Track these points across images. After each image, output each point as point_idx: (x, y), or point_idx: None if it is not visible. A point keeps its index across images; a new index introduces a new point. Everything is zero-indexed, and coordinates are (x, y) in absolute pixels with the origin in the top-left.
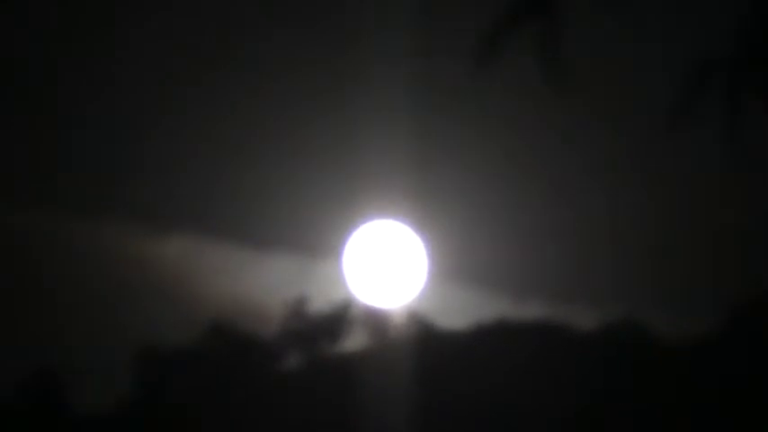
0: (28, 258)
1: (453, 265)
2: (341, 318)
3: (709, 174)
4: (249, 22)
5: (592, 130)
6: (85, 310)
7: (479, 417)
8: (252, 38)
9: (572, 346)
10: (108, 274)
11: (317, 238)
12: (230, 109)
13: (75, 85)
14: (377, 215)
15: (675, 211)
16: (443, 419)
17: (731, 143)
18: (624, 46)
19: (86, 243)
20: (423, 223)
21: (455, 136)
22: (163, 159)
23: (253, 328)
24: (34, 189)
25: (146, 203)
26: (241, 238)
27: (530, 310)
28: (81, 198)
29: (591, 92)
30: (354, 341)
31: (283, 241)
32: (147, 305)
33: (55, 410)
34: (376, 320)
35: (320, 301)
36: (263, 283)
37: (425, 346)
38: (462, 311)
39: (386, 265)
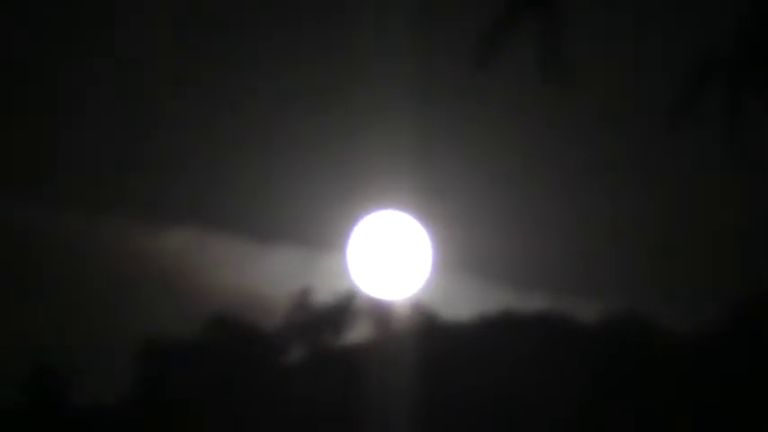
0: (28, 255)
1: (457, 256)
2: (344, 309)
3: (710, 174)
4: (249, 21)
5: (592, 126)
6: (87, 306)
7: (483, 408)
8: (251, 36)
9: (575, 338)
10: (109, 268)
11: (320, 231)
12: (232, 103)
13: (75, 82)
14: (380, 207)
15: (675, 208)
16: (447, 411)
17: (731, 142)
18: (624, 45)
19: (87, 238)
20: (426, 215)
21: (458, 129)
22: (164, 153)
23: (256, 320)
24: (34, 186)
25: (147, 197)
26: (244, 230)
27: (533, 302)
28: (81, 194)
29: (591, 90)
30: (358, 333)
31: (286, 234)
32: (149, 299)
33: (56, 408)
34: (380, 312)
35: (324, 293)
36: (266, 276)
37: (429, 338)
38: (466, 303)
39: (389, 257)
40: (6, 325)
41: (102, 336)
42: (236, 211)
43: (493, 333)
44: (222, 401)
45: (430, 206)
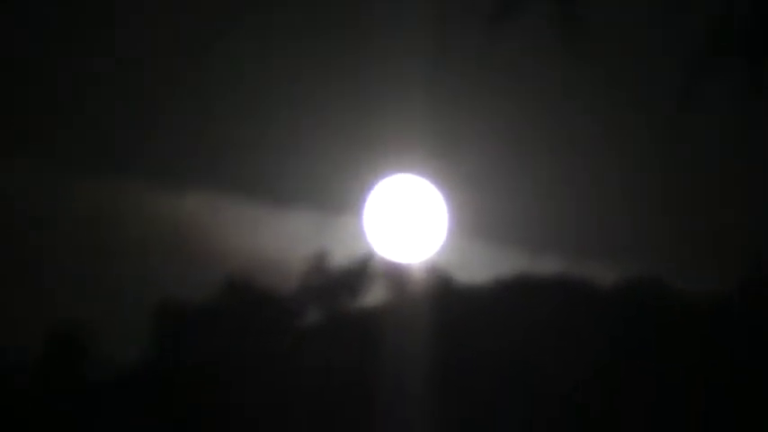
0: (43, 218)
1: (473, 220)
2: (360, 273)
3: (727, 131)
4: None
5: (608, 88)
6: (99, 269)
7: (498, 371)
8: (265, 3)
9: (592, 301)
10: (122, 231)
11: (336, 193)
12: (247, 66)
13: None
14: (397, 170)
15: (692, 169)
16: (462, 374)
17: (756, 94)
18: (639, 8)
19: (100, 201)
20: (443, 178)
21: (474, 92)
22: (178, 115)
23: (271, 284)
24: (49, 148)
25: (161, 160)
26: (258, 193)
27: (549, 265)
28: (95, 156)
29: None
30: (374, 296)
31: (302, 196)
32: (163, 262)
33: (71, 370)
34: (395, 275)
35: (340, 256)
36: (281, 239)
37: (445, 301)
38: (481, 266)
39: (406, 220)
40: (22, 288)
41: (116, 299)
42: (250, 174)
43: (508, 296)
44: (236, 365)
45: (445, 170)
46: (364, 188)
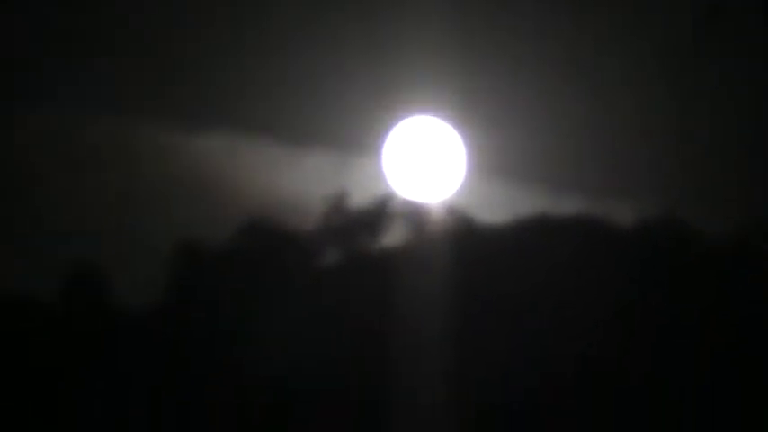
0: (62, 158)
1: (492, 160)
2: (380, 213)
3: (742, 77)
4: None
5: (627, 30)
6: (121, 210)
7: (517, 311)
8: None
9: (611, 240)
10: (143, 173)
11: (355, 134)
12: (267, 8)
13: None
14: (416, 111)
15: (710, 110)
16: (482, 314)
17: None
18: None
19: (121, 142)
20: (461, 118)
21: (492, 34)
22: (197, 57)
23: (291, 224)
24: (67, 89)
25: (180, 101)
26: (279, 134)
27: (568, 205)
28: (116, 97)
29: None
30: (393, 236)
31: (321, 137)
32: (183, 203)
33: (90, 308)
34: (415, 216)
35: (359, 197)
36: (301, 180)
37: (464, 241)
38: (501, 207)
39: (425, 161)
40: (43, 227)
41: (136, 239)
42: (270, 115)
43: (528, 236)
44: (256, 305)
45: (464, 110)
46: (383, 129)
